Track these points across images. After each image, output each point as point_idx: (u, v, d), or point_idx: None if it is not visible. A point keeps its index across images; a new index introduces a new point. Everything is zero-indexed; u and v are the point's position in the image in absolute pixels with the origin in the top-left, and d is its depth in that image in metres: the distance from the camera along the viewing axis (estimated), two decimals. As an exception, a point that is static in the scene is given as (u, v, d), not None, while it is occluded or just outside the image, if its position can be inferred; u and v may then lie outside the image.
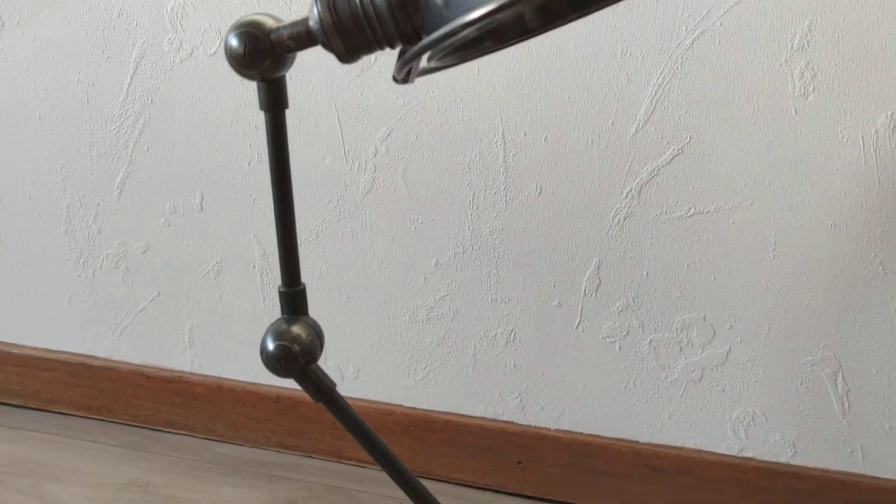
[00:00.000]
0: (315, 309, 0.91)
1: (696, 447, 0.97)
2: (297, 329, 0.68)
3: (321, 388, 0.68)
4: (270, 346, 0.67)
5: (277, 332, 0.68)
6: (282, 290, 0.69)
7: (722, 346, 0.93)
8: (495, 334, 0.98)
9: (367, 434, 0.71)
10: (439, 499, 0.99)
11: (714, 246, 0.90)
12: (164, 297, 1.07)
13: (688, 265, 0.91)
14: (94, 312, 1.11)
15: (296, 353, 0.67)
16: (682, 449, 0.97)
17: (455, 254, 0.96)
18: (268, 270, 1.03)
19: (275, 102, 0.62)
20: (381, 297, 1.00)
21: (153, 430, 1.12)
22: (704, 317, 0.92)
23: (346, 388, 1.05)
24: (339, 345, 1.03)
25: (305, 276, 1.05)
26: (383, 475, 1.05)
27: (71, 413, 1.14)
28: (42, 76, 1.01)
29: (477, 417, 1.02)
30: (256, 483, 1.02)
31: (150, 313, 1.09)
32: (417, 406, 1.04)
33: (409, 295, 0.99)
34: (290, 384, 1.07)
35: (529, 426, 1.01)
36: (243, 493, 1.00)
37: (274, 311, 1.03)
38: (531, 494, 1.02)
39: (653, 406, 0.97)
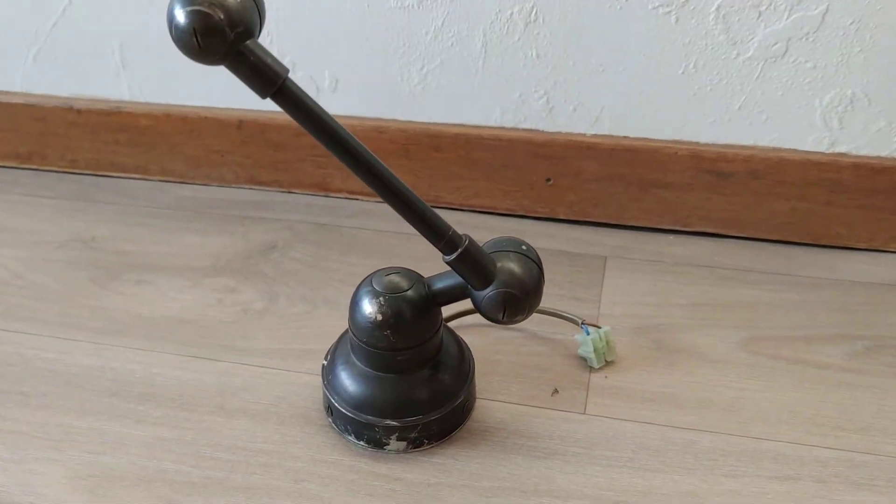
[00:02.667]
0: (268, 4, 0.68)
1: (774, 145, 0.76)
2: (218, -15, 0.44)
3: (264, 75, 0.46)
4: (181, 14, 0.44)
5: (189, -7, 0.44)
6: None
7: (816, 7, 0.69)
8: (510, 14, 0.74)
9: (337, 135, 0.50)
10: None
11: None
12: (78, 4, 0.82)
13: None
14: (-3, 34, 0.87)
15: (219, 21, 0.44)
16: (755, 148, 0.76)
17: None
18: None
19: None
20: (357, -22, 0.75)
21: (97, 175, 0.92)
22: (795, -35, 0.68)
23: (325, 104, 0.82)
24: (308, 48, 0.80)
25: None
26: (382, 207, 0.86)
27: (-2, 163, 0.94)
28: None
29: (492, 127, 0.81)
30: (227, 227, 0.83)
31: (65, 29, 0.84)
32: (416, 119, 0.82)
33: (392, -30, 0.74)
34: (254, 105, 0.85)
35: (559, 133, 0.80)
36: (212, 240, 0.81)
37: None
38: (565, 217, 0.83)
39: (719, 95, 0.75)
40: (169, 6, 0.45)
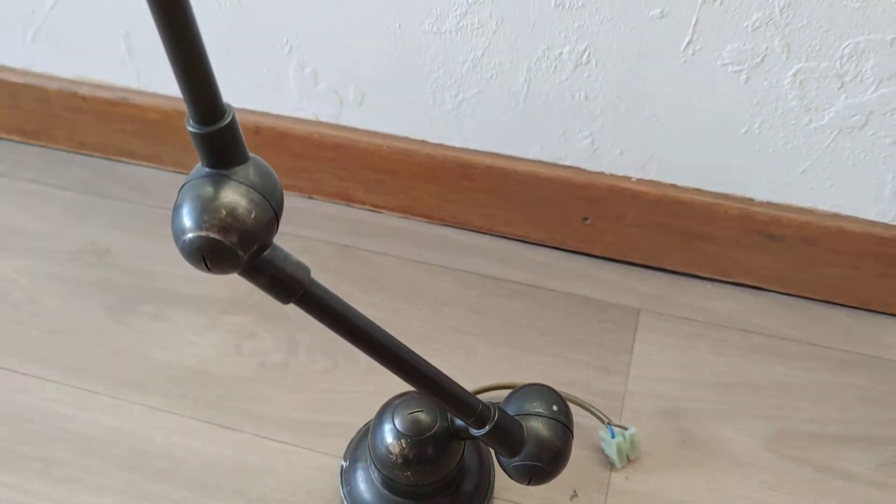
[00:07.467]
0: (291, 14, 0.61)
1: (834, 210, 0.70)
2: (229, 196, 0.39)
3: (283, 284, 0.42)
4: (188, 235, 0.39)
5: (201, 206, 0.39)
6: (194, 129, 0.38)
7: (907, 81, 0.61)
8: (560, 54, 0.66)
9: (369, 337, 0.46)
10: (476, 255, 0.76)
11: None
12: (77, -12, 0.74)
13: (884, -41, 0.55)
14: (-10, 6, 0.79)
15: (231, 246, 0.39)
16: (812, 213, 0.71)
17: (499, -62, 0.60)
18: (214, -44, 0.68)
19: None
20: None
21: (108, 160, 0.87)
22: (893, 41, 0.59)
23: (348, 116, 0.76)
24: (331, 62, 0.72)
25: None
26: (405, 224, 0.82)
27: (2, 137, 0.89)
28: None
29: (529, 161, 0.75)
30: (245, 240, 0.80)
31: (65, 12, 0.76)
32: (448, 143, 0.76)
33: (428, -3, 0.65)
34: (272, 109, 0.79)
35: (602, 174, 0.74)
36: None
37: None
38: (599, 254, 0.79)
39: (782, 158, 0.68)
40: (175, 217, 0.40)
